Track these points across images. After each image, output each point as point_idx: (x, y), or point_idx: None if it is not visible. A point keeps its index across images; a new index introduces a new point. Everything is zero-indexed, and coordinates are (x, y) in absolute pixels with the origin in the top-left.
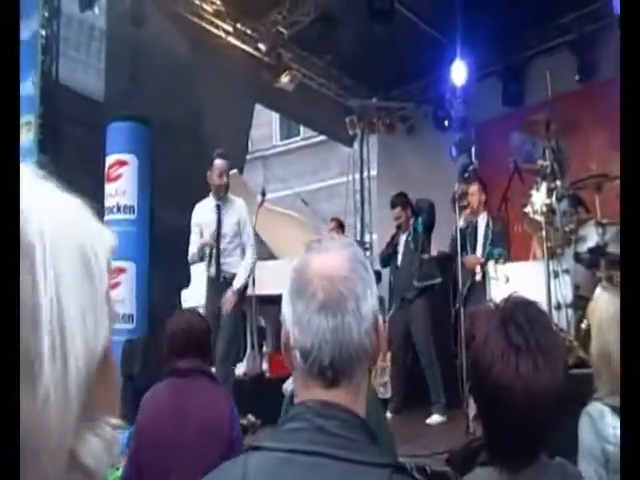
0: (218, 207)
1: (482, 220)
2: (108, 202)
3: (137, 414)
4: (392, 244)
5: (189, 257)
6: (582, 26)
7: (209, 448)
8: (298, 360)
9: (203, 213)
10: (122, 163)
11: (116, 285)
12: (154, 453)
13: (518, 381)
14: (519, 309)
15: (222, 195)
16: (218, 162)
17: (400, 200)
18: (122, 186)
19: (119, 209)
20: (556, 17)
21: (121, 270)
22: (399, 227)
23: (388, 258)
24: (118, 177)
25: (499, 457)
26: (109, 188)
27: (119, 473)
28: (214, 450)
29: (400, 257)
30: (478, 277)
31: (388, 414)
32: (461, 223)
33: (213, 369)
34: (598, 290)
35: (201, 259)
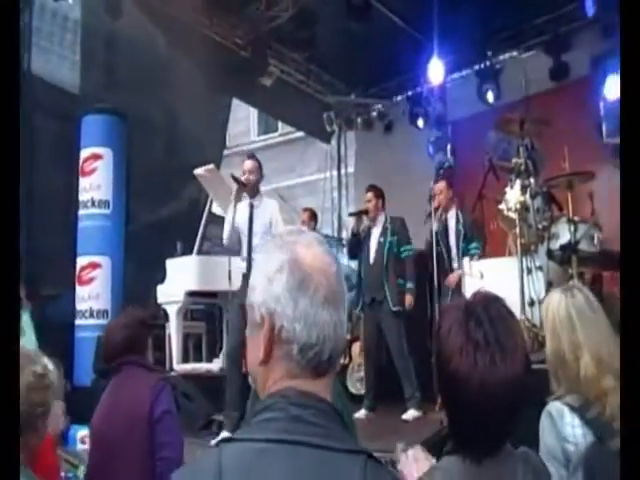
0: (251, 205)
1: (452, 217)
2: (82, 196)
3: None
4: (358, 225)
5: (224, 241)
6: (557, 27)
7: (134, 431)
8: (294, 354)
9: (237, 210)
10: (97, 157)
11: (91, 280)
12: (98, 449)
13: (475, 375)
14: (482, 305)
15: (254, 193)
16: (247, 162)
17: (375, 189)
18: (97, 180)
19: (94, 203)
20: (531, 18)
21: (96, 265)
22: (366, 212)
23: (356, 245)
24: (93, 171)
25: (462, 446)
26: (84, 182)
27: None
28: (139, 432)
29: (373, 255)
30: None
31: (363, 410)
32: (434, 226)
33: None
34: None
35: (235, 244)
